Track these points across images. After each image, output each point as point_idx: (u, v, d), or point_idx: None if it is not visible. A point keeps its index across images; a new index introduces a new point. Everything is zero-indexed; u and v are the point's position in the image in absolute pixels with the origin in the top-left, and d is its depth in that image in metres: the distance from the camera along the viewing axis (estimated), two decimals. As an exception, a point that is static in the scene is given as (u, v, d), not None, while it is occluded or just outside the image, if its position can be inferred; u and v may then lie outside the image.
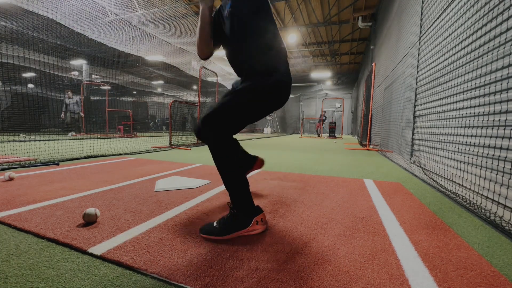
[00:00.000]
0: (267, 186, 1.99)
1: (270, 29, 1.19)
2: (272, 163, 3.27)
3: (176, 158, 3.64)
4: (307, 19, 9.72)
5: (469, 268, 0.87)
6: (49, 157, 3.23)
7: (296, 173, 2.59)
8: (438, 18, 2.68)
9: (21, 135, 8.30)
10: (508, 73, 1.48)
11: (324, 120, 13.23)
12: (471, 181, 1.82)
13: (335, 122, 12.40)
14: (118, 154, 3.79)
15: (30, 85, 12.53)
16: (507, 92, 1.48)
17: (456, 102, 2.16)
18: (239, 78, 1.27)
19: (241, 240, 1.05)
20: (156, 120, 18.86)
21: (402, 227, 1.21)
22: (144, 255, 0.91)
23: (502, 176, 1.47)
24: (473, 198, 1.68)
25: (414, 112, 3.34)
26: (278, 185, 2.03)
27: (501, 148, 1.51)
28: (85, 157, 3.36)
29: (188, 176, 2.30)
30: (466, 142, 1.93)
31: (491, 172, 1.59)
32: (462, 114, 2.04)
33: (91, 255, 0.91)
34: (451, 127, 2.22)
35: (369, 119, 5.88)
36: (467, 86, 1.97)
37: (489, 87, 1.66)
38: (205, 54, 1.24)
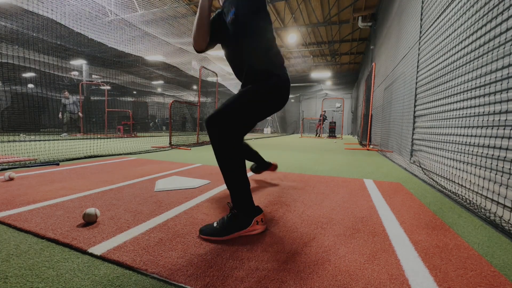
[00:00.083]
0: (267, 186, 2.00)
1: (269, 30, 1.20)
2: (272, 163, 3.27)
3: (176, 158, 3.64)
4: (307, 19, 9.73)
5: (469, 268, 0.87)
6: (49, 157, 3.23)
7: (296, 173, 2.59)
8: (438, 18, 2.68)
9: (21, 135, 8.30)
10: (508, 73, 1.48)
11: (324, 120, 13.24)
12: (471, 181, 1.82)
13: (335, 122, 12.40)
14: (118, 154, 3.79)
15: (30, 85, 12.53)
16: (507, 92, 1.48)
17: (456, 102, 2.16)
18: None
19: (241, 240, 1.05)
20: (156, 120, 18.87)
21: (402, 227, 1.21)
22: (144, 255, 0.91)
23: (502, 176, 1.47)
24: (473, 198, 1.68)
25: (414, 112, 3.34)
26: (278, 185, 2.03)
27: (501, 148, 1.51)
28: (85, 157, 3.36)
29: (188, 176, 2.30)
30: (466, 142, 1.93)
31: (491, 172, 1.59)
32: (462, 114, 2.04)
33: (91, 255, 0.91)
34: (451, 127, 2.22)
35: (369, 119, 5.88)
36: (467, 86, 1.97)
37: (489, 87, 1.66)
38: (199, 47, 1.24)
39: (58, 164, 2.77)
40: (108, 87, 13.54)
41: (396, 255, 0.95)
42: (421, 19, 3.28)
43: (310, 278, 0.80)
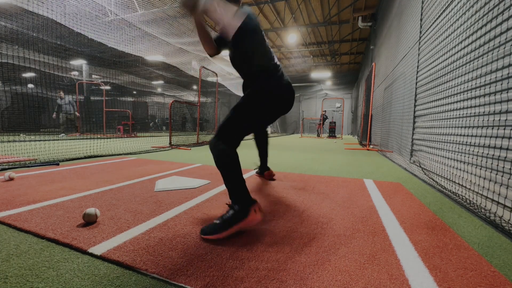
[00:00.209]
0: (267, 186, 2.00)
1: (257, 39, 1.35)
2: (272, 163, 3.27)
3: (176, 158, 3.64)
4: (307, 19, 9.72)
5: (469, 268, 0.87)
6: (49, 157, 3.23)
7: (296, 173, 2.59)
8: (438, 18, 2.68)
9: (21, 135, 8.30)
10: (508, 73, 1.48)
11: (325, 119, 13.24)
12: (471, 181, 1.82)
13: (335, 122, 12.40)
14: (118, 154, 3.79)
15: (30, 85, 12.53)
16: (507, 92, 1.48)
17: (456, 102, 2.16)
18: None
19: (241, 240, 1.06)
20: (156, 120, 18.87)
21: (402, 227, 1.21)
22: (144, 255, 0.91)
23: (502, 176, 1.47)
24: (473, 198, 1.68)
25: (414, 112, 3.34)
26: (278, 185, 2.03)
27: (501, 148, 1.51)
28: (85, 157, 3.36)
29: (188, 176, 2.30)
30: (466, 142, 1.93)
31: (491, 172, 1.59)
32: (462, 114, 2.04)
33: (91, 255, 0.91)
34: (451, 127, 2.22)
35: (369, 119, 5.88)
36: (467, 86, 1.97)
37: (489, 87, 1.66)
38: (211, 52, 1.42)
39: (58, 164, 2.77)
40: (107, 87, 13.55)
41: (396, 255, 0.95)
42: (421, 19, 3.28)
43: (310, 278, 0.80)
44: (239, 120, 1.25)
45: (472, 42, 1.93)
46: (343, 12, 8.75)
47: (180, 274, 0.80)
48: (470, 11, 1.98)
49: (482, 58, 1.77)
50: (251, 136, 1.81)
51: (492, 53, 1.65)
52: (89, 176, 2.23)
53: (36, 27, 7.40)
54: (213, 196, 1.68)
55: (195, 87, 17.00)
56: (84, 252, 0.93)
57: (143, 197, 1.62)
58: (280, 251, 0.96)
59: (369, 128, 5.96)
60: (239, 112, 1.25)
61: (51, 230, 1.08)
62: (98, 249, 0.93)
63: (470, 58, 1.95)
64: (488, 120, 1.67)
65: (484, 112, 1.72)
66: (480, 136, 1.75)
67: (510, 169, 1.41)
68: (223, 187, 1.91)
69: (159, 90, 17.33)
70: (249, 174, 2.49)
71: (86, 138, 7.26)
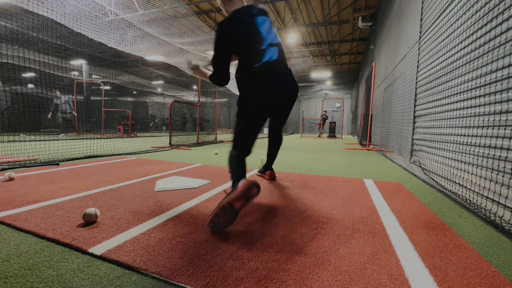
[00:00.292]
0: (267, 186, 2.00)
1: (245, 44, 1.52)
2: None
3: (176, 158, 3.64)
4: (307, 19, 9.73)
5: (469, 268, 0.87)
6: (49, 157, 3.23)
7: (296, 173, 2.59)
8: (438, 18, 2.68)
9: (21, 135, 8.30)
10: (508, 73, 1.48)
11: (325, 119, 13.24)
12: (471, 181, 1.82)
13: (335, 122, 12.40)
14: (118, 154, 3.79)
15: (30, 85, 12.53)
16: (507, 92, 1.48)
17: (456, 102, 2.16)
18: None
19: (241, 240, 1.05)
20: (156, 120, 18.87)
21: (402, 227, 1.21)
22: (144, 255, 0.91)
23: (503, 176, 1.47)
24: (473, 198, 1.68)
25: (414, 112, 3.34)
26: (278, 185, 2.03)
27: (501, 148, 1.51)
28: (85, 157, 3.36)
29: (188, 176, 2.30)
30: (466, 142, 1.93)
31: (491, 172, 1.59)
32: (462, 114, 2.04)
33: (91, 255, 0.91)
34: (451, 127, 2.22)
35: (369, 119, 5.88)
36: (467, 86, 1.97)
37: (489, 87, 1.66)
38: (220, 85, 1.63)
39: (58, 164, 2.77)
40: (107, 87, 13.54)
41: (396, 255, 0.95)
42: (421, 19, 3.28)
43: (310, 278, 0.80)
44: (237, 125, 1.50)
45: (472, 42, 1.93)
46: (343, 12, 8.75)
47: (180, 274, 0.80)
48: (470, 11, 1.98)
49: (482, 58, 1.77)
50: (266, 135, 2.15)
51: (492, 53, 1.65)
52: (89, 176, 2.23)
53: (36, 27, 7.40)
54: (213, 196, 1.68)
55: (195, 87, 17.00)
56: (84, 252, 0.93)
57: (143, 197, 1.62)
58: (280, 251, 0.96)
59: (369, 128, 5.96)
60: (237, 119, 1.51)
61: (51, 230, 1.08)
62: (98, 249, 0.93)
63: (470, 58, 1.95)
64: (488, 120, 1.67)
65: (484, 112, 1.72)
66: (480, 136, 1.75)
67: (510, 169, 1.41)
68: (223, 187, 1.91)
69: (159, 90, 17.33)
70: (250, 173, 2.49)
71: (85, 138, 7.26)
